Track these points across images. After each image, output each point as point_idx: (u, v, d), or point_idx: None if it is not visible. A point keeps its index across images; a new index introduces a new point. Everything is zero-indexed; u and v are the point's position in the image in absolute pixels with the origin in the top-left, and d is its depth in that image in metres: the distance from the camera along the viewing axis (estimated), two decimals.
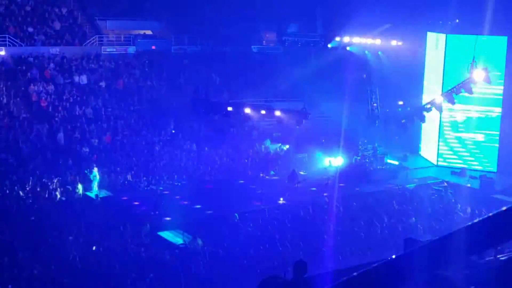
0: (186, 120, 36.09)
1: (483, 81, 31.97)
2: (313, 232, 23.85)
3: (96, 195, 27.89)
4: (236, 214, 25.14)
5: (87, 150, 31.92)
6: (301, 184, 29.55)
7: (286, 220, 25.28)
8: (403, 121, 33.97)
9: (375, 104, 35.61)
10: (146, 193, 29.30)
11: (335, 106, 34.90)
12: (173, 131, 35.55)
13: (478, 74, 31.69)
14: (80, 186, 28.39)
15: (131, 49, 40.79)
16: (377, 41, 35.99)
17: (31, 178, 28.31)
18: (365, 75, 35.53)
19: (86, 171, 29.08)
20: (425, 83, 37.19)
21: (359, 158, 34.52)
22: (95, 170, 29.04)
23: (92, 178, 28.76)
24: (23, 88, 34.96)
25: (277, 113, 33.40)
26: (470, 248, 3.06)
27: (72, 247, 21.60)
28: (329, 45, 37.60)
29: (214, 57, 40.97)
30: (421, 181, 32.56)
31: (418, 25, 36.52)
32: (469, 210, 26.45)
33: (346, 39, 36.79)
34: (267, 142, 36.14)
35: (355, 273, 3.31)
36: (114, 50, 40.12)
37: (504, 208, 2.92)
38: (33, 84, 35.08)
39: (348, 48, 36.95)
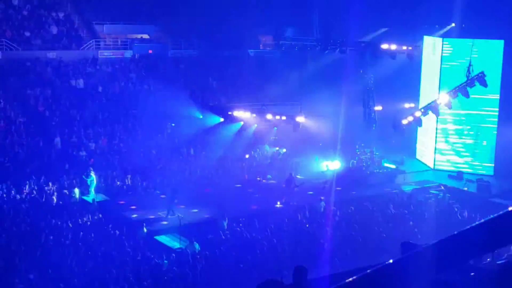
0: (183, 124, 36.05)
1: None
2: (310, 236, 23.84)
3: (93, 199, 27.83)
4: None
5: (84, 154, 31.87)
6: (298, 188, 29.53)
7: (283, 224, 25.26)
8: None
9: (372, 108, 35.64)
10: (143, 197, 29.24)
11: (332, 109, 34.90)
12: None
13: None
14: (77, 190, 28.34)
15: (128, 53, 40.79)
16: (375, 45, 36.02)
17: (27, 182, 28.27)
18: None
19: (83, 176, 29.00)
20: (422, 86, 37.21)
21: (356, 161, 34.52)
22: (92, 174, 29.01)
23: (89, 183, 28.71)
24: (20, 92, 34.91)
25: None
26: (467, 252, 3.05)
27: (68, 251, 21.55)
28: (326, 49, 37.65)
29: (211, 61, 40.95)
30: (418, 184, 32.57)
31: (415, 29, 36.58)
32: (466, 213, 26.48)
33: (343, 43, 36.84)
34: (266, 147, 36.11)
35: (352, 277, 3.30)
36: (111, 54, 40.11)
37: (501, 212, 2.91)
38: (30, 88, 35.04)
39: (344, 51, 36.99)
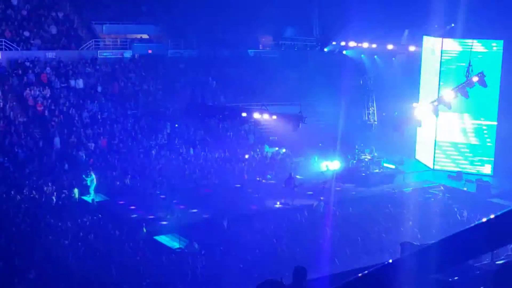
0: (182, 124, 36.07)
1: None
2: (310, 236, 23.84)
3: (93, 199, 27.82)
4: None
5: (84, 154, 31.86)
6: (298, 188, 29.53)
7: (283, 224, 25.27)
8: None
9: (371, 108, 35.65)
10: (142, 197, 29.23)
11: (332, 110, 34.94)
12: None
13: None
14: (76, 190, 28.31)
15: (128, 53, 40.78)
16: (374, 45, 36.07)
17: (27, 182, 28.25)
18: (361, 81, 35.59)
19: (83, 176, 28.98)
20: (422, 87, 37.21)
21: (355, 162, 34.52)
22: (93, 174, 28.99)
23: (89, 183, 28.69)
24: (19, 93, 34.92)
25: (274, 117, 33.43)
26: (467, 252, 3.05)
27: (68, 251, 21.56)
28: (326, 49, 37.71)
29: (211, 61, 40.97)
30: (418, 184, 32.57)
31: (414, 29, 36.61)
32: (465, 213, 26.50)
33: (342, 43, 36.89)
34: (266, 148, 36.11)
35: (351, 278, 3.30)
36: (111, 54, 40.10)
37: (501, 212, 2.91)
38: (29, 88, 35.04)
39: (344, 52, 37.05)
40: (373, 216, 26.30)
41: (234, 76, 40.24)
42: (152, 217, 26.33)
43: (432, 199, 29.70)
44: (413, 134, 36.77)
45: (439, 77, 34.77)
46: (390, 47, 36.15)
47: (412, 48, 37.08)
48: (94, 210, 26.61)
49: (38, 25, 39.35)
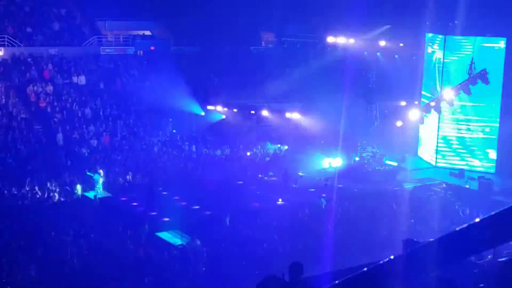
0: (184, 121, 36.07)
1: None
2: (312, 233, 23.84)
3: (95, 196, 27.83)
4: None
5: (86, 150, 31.89)
6: (297, 183, 29.48)
7: (285, 221, 25.27)
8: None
9: (374, 105, 35.63)
10: (145, 194, 29.22)
11: (334, 107, 34.88)
12: (174, 131, 35.58)
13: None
14: (78, 187, 28.33)
15: (130, 50, 40.78)
16: (376, 42, 36.02)
17: (29, 178, 28.28)
18: (363, 79, 35.58)
19: (88, 173, 28.97)
20: (424, 84, 37.14)
21: (358, 159, 34.50)
22: (101, 172, 28.98)
23: (96, 179, 28.67)
24: (21, 89, 34.94)
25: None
26: (469, 249, 3.05)
27: (70, 248, 21.59)
28: (328, 46, 37.60)
29: (213, 58, 40.93)
30: (420, 182, 32.55)
31: (417, 26, 36.51)
32: (467, 211, 26.48)
33: (344, 40, 36.82)
34: (268, 145, 36.09)
35: (353, 274, 3.30)
36: (113, 50, 40.11)
37: (503, 209, 2.91)
38: (32, 85, 35.08)
39: (346, 49, 36.96)
40: (375, 213, 26.28)
41: (236, 73, 40.19)
42: (154, 213, 26.35)
43: (434, 197, 29.67)
44: (415, 131, 36.73)
45: (442, 74, 34.69)
46: (392, 44, 36.09)
47: (414, 45, 36.99)
48: (96, 206, 26.62)
49: (40, 21, 39.37)
